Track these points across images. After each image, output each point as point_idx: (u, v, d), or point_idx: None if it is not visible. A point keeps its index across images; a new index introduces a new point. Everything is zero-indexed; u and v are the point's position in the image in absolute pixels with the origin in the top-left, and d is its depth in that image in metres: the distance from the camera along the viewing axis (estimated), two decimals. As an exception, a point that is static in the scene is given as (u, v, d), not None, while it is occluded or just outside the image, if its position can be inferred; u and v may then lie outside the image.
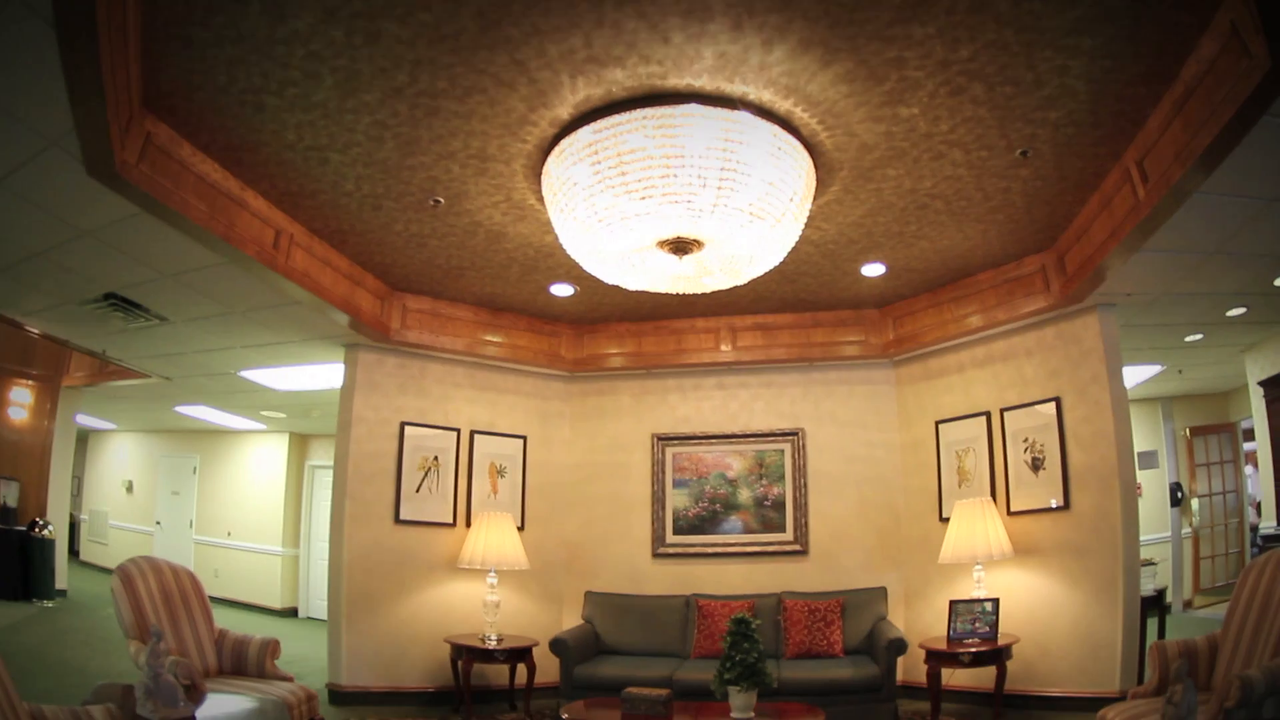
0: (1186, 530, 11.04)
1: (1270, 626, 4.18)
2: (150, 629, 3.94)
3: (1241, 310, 7.36)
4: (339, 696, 6.79)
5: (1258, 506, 12.10)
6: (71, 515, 13.29)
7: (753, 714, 4.80)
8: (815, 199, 5.15)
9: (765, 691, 4.92)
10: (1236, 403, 11.30)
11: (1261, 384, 8.61)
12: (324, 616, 11.79)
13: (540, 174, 4.76)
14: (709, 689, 5.72)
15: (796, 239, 4.90)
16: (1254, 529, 11.68)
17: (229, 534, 13.16)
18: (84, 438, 15.42)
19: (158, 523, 14.36)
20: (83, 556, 15.79)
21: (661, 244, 4.52)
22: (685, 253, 4.58)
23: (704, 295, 5.48)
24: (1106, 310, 6.62)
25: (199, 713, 3.75)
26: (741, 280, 5.07)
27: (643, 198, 4.18)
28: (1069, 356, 6.77)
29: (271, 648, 5.25)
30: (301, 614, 12.40)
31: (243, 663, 5.24)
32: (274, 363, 8.24)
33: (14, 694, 2.79)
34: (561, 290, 6.94)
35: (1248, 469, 11.84)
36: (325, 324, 6.74)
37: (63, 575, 11.35)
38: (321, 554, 12.34)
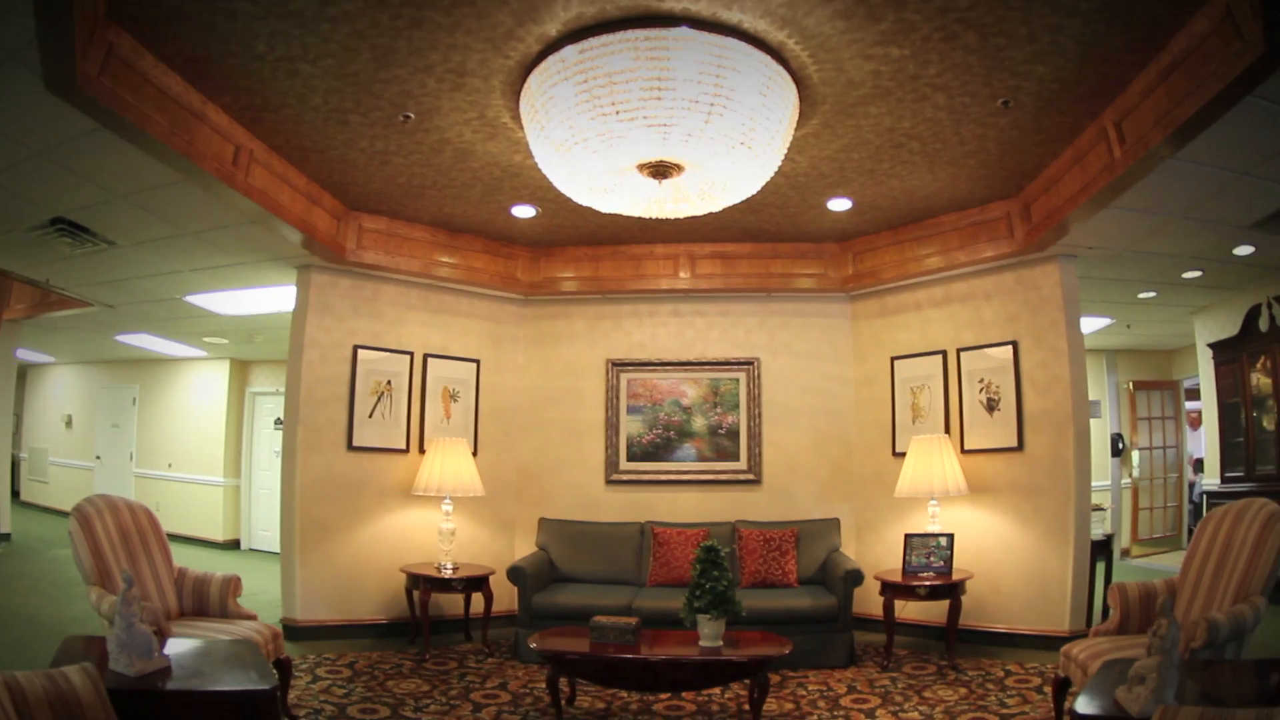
0: (1126, 481, 11.41)
1: (1229, 575, 4.33)
2: (121, 574, 3.72)
3: (1197, 274, 7.60)
4: (293, 632, 6.69)
5: (1195, 464, 12.56)
6: (12, 455, 12.86)
7: (721, 643, 4.85)
8: (794, 131, 5.09)
9: (731, 620, 4.97)
10: (1180, 362, 11.66)
11: (1211, 346, 8.89)
12: (267, 548, 11.77)
13: (519, 92, 4.61)
14: (668, 617, 5.81)
15: (775, 170, 4.85)
16: (1191, 486, 12.14)
17: (169, 466, 12.87)
18: (22, 372, 14.95)
19: (98, 457, 14.00)
20: (23, 497, 15.42)
21: (642, 167, 4.44)
22: (665, 177, 4.50)
23: (666, 221, 5.41)
24: (1067, 260, 6.74)
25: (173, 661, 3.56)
26: (716, 208, 5.02)
27: (628, 119, 4.08)
28: (1028, 302, 6.87)
29: (233, 585, 5.08)
30: (244, 546, 12.20)
31: (204, 602, 5.07)
32: (222, 286, 7.99)
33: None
34: (523, 212, 6.80)
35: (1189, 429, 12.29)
36: (279, 244, 6.53)
37: (4, 518, 11.07)
38: (263, 484, 12.17)
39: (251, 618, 4.98)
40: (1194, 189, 5.44)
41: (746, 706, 5.27)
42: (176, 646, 3.83)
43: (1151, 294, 8.35)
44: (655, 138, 4.17)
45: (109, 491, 5.61)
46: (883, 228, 7.28)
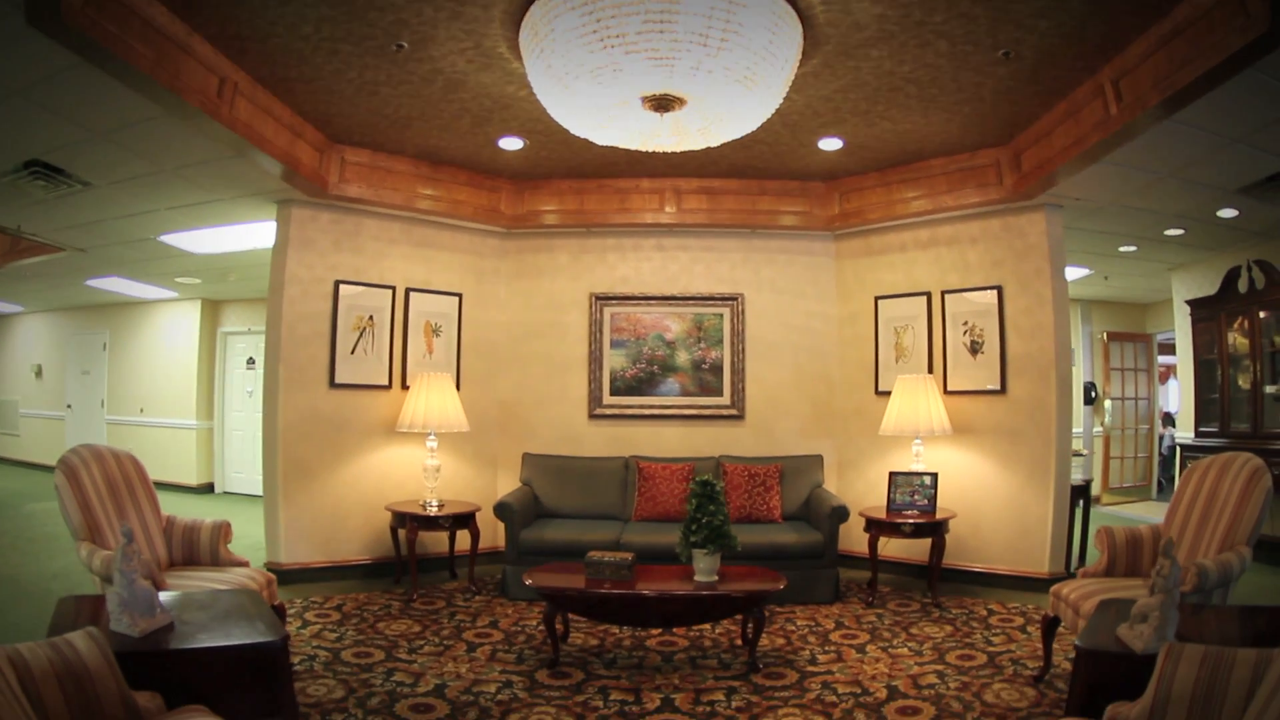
0: (1098, 429, 11.60)
1: (1215, 524, 4.44)
2: (120, 529, 3.51)
3: (1180, 232, 7.73)
4: (279, 576, 6.60)
5: (1164, 417, 12.82)
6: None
7: (716, 578, 4.89)
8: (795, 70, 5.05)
9: (726, 555, 5.01)
10: (1155, 316, 11.84)
11: (1189, 303, 9.03)
12: (242, 490, 11.69)
13: (520, 22, 4.52)
14: (657, 552, 5.87)
15: (775, 108, 4.81)
16: (1161, 438, 12.40)
17: (141, 410, 12.68)
18: (-9, 324, 14.65)
19: (69, 406, 13.76)
20: (-6, 451, 15.15)
21: (645, 99, 4.38)
22: (666, 110, 4.45)
23: (654, 155, 5.37)
24: (1054, 210, 6.80)
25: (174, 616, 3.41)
26: (714, 143, 4.97)
27: (633, 51, 4.02)
28: (1013, 249, 6.91)
29: (224, 531, 4.97)
30: (218, 489, 12.12)
31: (194, 551, 4.94)
32: (198, 224, 7.80)
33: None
34: (510, 145, 6.67)
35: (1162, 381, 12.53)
36: (260, 178, 6.37)
37: (-24, 474, 10.86)
38: (236, 425, 12.07)
39: (243, 564, 4.90)
40: (1185, 151, 5.53)
41: (739, 641, 5.35)
42: (173, 600, 3.73)
43: (1132, 248, 8.44)
44: (661, 70, 4.11)
45: (81, 440, 5.47)
46: (871, 169, 7.26)
